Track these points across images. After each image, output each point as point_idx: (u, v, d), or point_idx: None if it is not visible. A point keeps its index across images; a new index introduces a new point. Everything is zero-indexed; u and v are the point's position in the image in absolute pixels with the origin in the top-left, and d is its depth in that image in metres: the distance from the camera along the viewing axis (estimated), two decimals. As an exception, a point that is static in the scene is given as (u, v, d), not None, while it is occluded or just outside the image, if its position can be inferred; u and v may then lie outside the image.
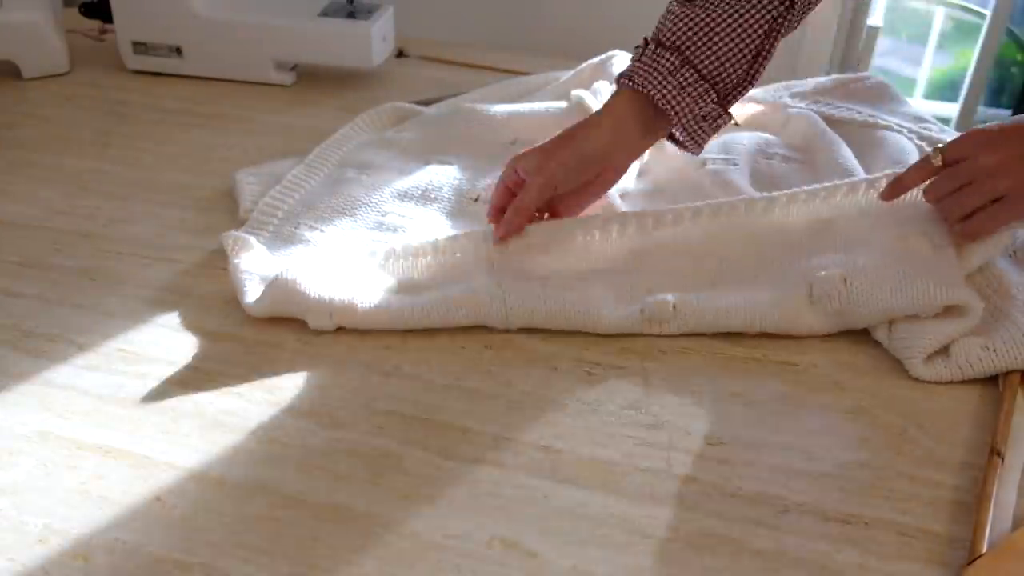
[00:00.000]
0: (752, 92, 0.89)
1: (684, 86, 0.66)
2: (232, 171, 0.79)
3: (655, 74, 0.66)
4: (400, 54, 1.11)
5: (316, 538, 0.47)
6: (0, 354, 0.59)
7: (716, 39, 0.66)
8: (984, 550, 0.46)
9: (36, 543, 0.46)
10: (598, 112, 0.69)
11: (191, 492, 0.50)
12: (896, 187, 0.65)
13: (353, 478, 0.51)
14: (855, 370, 0.60)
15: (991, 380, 0.59)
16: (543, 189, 0.66)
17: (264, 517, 0.48)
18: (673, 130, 0.71)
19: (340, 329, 0.62)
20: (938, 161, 0.63)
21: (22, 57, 1.00)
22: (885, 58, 2.04)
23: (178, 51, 1.01)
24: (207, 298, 0.65)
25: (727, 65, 0.67)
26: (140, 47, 1.01)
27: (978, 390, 0.58)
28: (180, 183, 0.81)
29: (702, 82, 0.67)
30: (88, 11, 1.04)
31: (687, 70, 0.66)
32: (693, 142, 0.72)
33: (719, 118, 0.70)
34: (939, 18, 2.03)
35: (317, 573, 0.45)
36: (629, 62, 0.70)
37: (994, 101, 1.93)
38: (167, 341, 0.61)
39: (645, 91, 0.66)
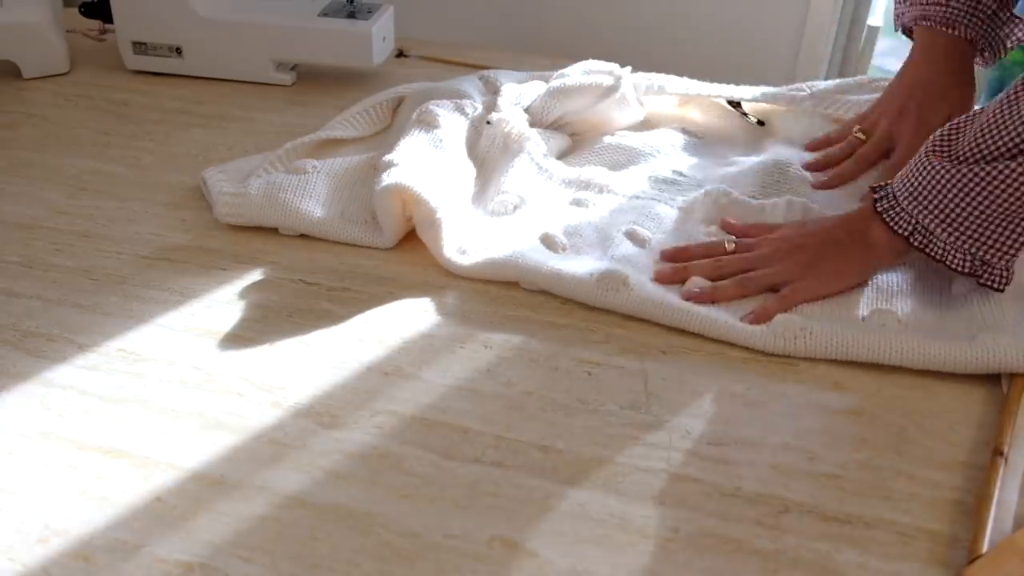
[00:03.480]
0: (772, 91, 0.89)
1: (1000, 24, 0.74)
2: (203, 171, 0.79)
3: (976, 20, 0.74)
4: (400, 54, 1.11)
5: (316, 538, 0.47)
6: (0, 354, 0.59)
7: None
8: (984, 550, 0.46)
9: (36, 543, 0.46)
10: (920, 60, 0.78)
11: (191, 492, 0.49)
12: (683, 251, 0.69)
13: (353, 478, 0.51)
14: (855, 370, 0.60)
15: (993, 380, 0.59)
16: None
17: (264, 517, 0.48)
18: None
19: (340, 328, 0.62)
20: (731, 246, 0.68)
21: (22, 57, 0.99)
22: (885, 58, 2.04)
23: (178, 51, 1.01)
24: (207, 298, 0.65)
25: None
26: (140, 47, 1.01)
27: (979, 390, 0.58)
28: (180, 183, 0.81)
29: (1005, 9, 0.74)
30: (88, 11, 1.04)
31: (1003, 11, 0.73)
32: (994, 59, 0.79)
33: (1019, 33, 0.76)
34: (939, 18, 2.02)
35: (317, 573, 0.45)
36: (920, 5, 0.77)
37: (994, 101, 1.92)
38: (167, 341, 0.61)
39: (971, 38, 0.74)
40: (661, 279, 0.66)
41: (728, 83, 0.92)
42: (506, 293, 0.67)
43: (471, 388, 0.58)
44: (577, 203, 0.75)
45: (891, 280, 0.65)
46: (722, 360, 0.61)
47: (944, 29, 0.75)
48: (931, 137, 0.63)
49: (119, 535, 0.47)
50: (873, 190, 0.65)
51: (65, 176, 0.81)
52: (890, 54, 2.06)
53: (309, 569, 0.45)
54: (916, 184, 0.62)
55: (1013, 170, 0.57)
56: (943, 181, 0.60)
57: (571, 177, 0.78)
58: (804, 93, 0.87)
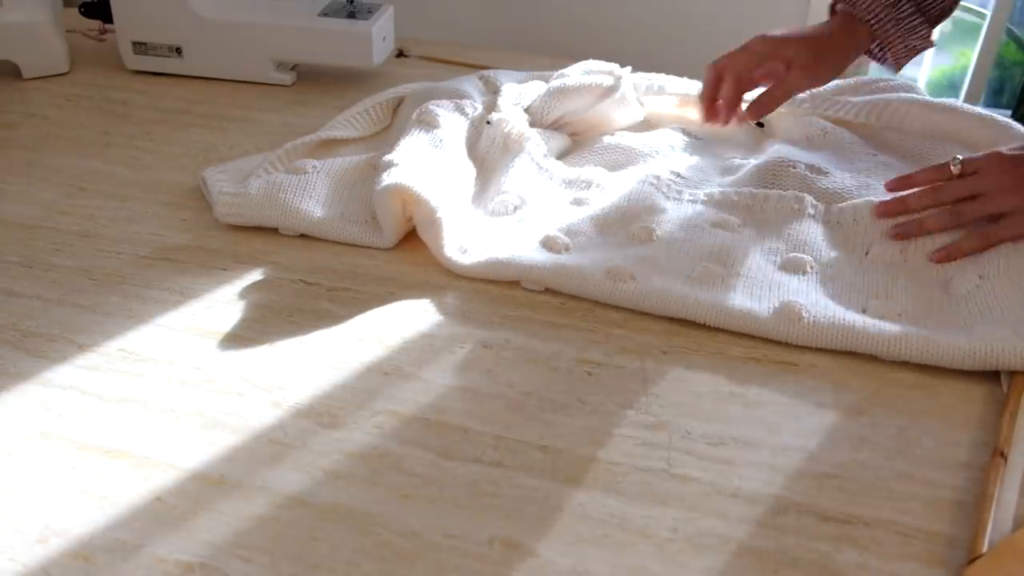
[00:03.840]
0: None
1: (900, 18, 0.73)
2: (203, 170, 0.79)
3: (876, 6, 0.73)
4: (400, 54, 1.11)
5: (316, 538, 0.47)
6: (0, 354, 0.59)
7: None
8: (984, 550, 0.46)
9: (36, 543, 0.46)
10: (830, 25, 0.77)
11: (191, 492, 0.49)
12: (904, 180, 0.68)
13: (353, 478, 0.51)
14: (855, 370, 0.60)
15: (993, 380, 0.59)
16: (805, 88, 0.77)
17: (264, 517, 0.48)
18: (873, 48, 0.78)
19: (340, 328, 0.62)
20: (956, 169, 0.65)
21: (22, 57, 0.99)
22: (885, 58, 2.04)
23: (178, 51, 1.01)
24: (207, 298, 0.65)
25: None
26: (140, 47, 1.01)
27: (979, 390, 0.58)
28: (180, 183, 0.81)
29: (917, 14, 0.74)
30: (88, 11, 1.04)
31: (905, 2, 0.73)
32: (895, 63, 0.78)
33: (923, 46, 0.77)
34: (939, 18, 2.03)
35: (317, 573, 0.45)
36: None
37: (994, 101, 1.92)
38: (167, 341, 0.61)
39: (865, 20, 0.74)
40: (902, 235, 0.67)
41: (728, 83, 0.91)
42: (506, 293, 0.67)
43: (471, 388, 0.58)
44: (577, 203, 0.75)
45: (891, 275, 0.65)
46: (722, 360, 0.61)
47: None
48: None
49: (119, 535, 0.47)
50: None
51: (65, 176, 0.81)
52: (890, 54, 2.06)
53: (309, 569, 0.45)
54: None
55: None
56: None
57: (571, 177, 0.78)
58: (803, 95, 0.87)
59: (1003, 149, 0.67)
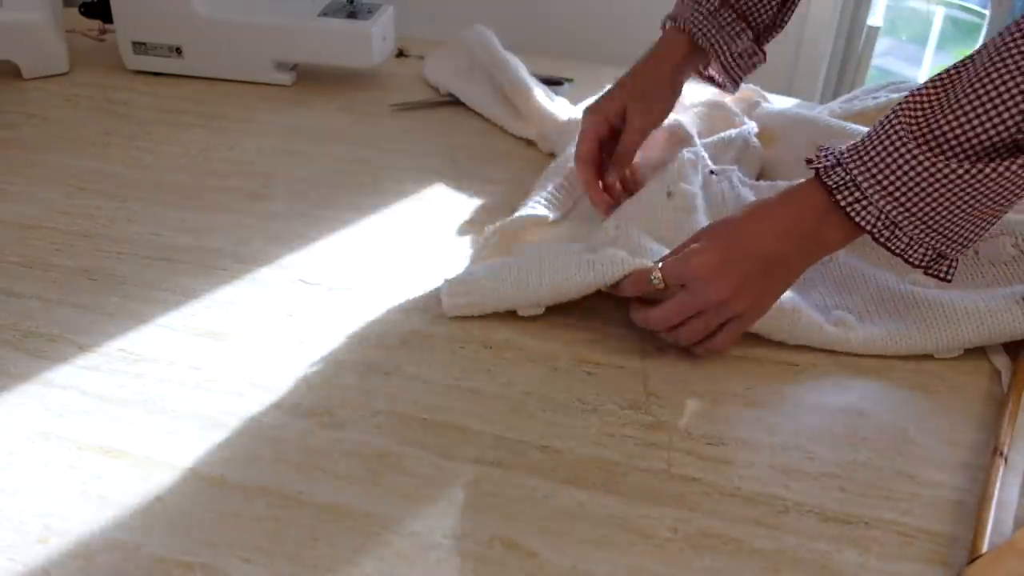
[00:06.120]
0: (795, 111, 0.87)
1: (723, 25, 0.74)
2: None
3: (697, 14, 0.74)
4: (400, 54, 1.11)
5: (316, 538, 0.47)
6: (0, 354, 0.59)
7: None
8: (984, 550, 0.46)
9: (36, 543, 0.46)
10: (649, 55, 0.77)
11: (191, 492, 0.49)
12: (616, 291, 0.62)
13: (353, 478, 0.51)
14: (855, 370, 0.60)
15: (993, 380, 0.59)
16: (648, 125, 0.75)
17: (264, 517, 0.48)
18: (711, 71, 0.79)
19: (340, 328, 0.62)
20: (659, 284, 0.59)
21: (22, 57, 0.99)
22: (885, 58, 2.04)
23: (178, 51, 1.01)
24: (207, 298, 0.65)
25: (760, 5, 0.75)
26: (140, 47, 1.01)
27: (979, 390, 0.58)
28: (180, 183, 0.81)
29: (740, 21, 0.75)
30: (88, 11, 1.04)
31: (726, 10, 0.74)
32: (730, 80, 0.78)
33: (755, 56, 0.78)
34: (939, 18, 2.03)
35: (317, 573, 0.45)
36: (674, 5, 0.77)
37: (994, 101, 1.92)
38: (167, 341, 0.61)
39: (687, 30, 0.74)
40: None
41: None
42: (506, 293, 0.67)
43: (471, 388, 0.58)
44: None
45: (848, 278, 0.66)
46: (722, 360, 0.61)
47: (670, 21, 0.76)
48: (898, 110, 0.55)
49: (119, 535, 0.47)
50: (823, 173, 0.56)
51: (65, 176, 0.81)
52: (890, 54, 2.06)
53: (309, 569, 0.45)
54: (889, 173, 0.54)
55: (1007, 168, 0.51)
56: (924, 175, 0.53)
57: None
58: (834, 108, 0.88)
59: (705, 260, 0.58)
